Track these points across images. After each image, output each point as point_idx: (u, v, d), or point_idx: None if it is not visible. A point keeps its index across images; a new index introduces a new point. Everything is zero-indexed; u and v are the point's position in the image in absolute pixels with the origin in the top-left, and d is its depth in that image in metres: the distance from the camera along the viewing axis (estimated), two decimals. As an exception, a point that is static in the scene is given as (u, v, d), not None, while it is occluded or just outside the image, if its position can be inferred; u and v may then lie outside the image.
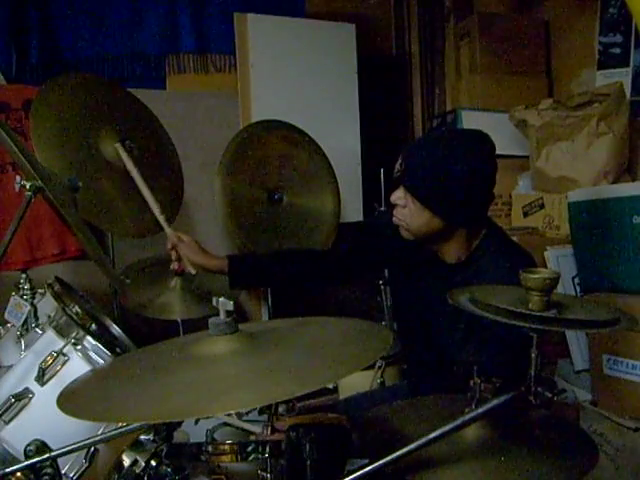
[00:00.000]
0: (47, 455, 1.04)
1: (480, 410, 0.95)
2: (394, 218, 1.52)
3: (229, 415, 1.37)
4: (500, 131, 2.72)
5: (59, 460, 1.08)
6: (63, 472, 1.17)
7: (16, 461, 1.14)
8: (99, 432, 1.14)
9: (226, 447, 1.17)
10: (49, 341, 1.33)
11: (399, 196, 1.48)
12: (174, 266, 1.72)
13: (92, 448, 1.19)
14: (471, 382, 1.01)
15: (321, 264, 1.75)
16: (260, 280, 1.86)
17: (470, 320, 1.43)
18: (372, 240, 1.72)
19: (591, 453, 1.01)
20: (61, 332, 1.34)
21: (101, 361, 1.30)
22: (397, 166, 1.48)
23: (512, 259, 1.49)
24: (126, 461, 1.14)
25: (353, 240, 1.83)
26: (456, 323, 1.48)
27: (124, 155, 1.87)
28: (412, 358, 1.80)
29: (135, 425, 1.06)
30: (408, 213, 1.48)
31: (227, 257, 1.66)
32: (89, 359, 1.30)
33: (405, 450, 0.91)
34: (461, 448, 0.99)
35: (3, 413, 1.22)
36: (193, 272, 1.67)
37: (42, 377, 1.25)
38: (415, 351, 1.72)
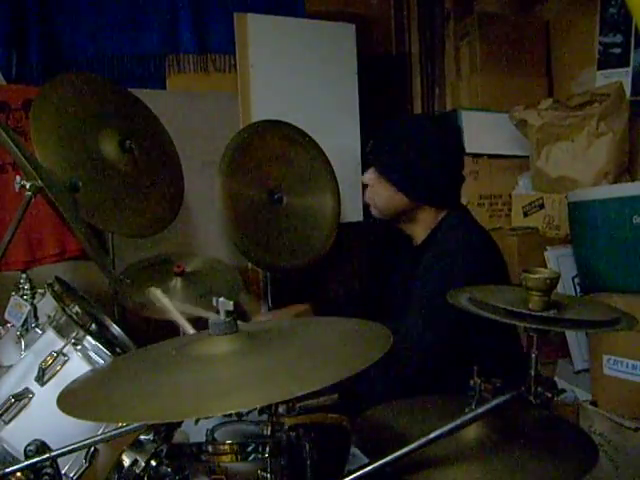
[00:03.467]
0: (47, 455, 1.03)
1: (480, 410, 0.95)
2: (365, 198, 1.64)
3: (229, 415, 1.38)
4: (500, 131, 2.72)
5: (59, 460, 1.08)
6: (63, 472, 1.16)
7: (16, 461, 1.14)
8: (99, 432, 1.14)
9: (226, 447, 1.17)
10: (49, 341, 1.32)
11: (369, 177, 1.60)
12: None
13: (92, 448, 1.18)
14: (471, 382, 1.01)
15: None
16: None
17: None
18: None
19: (591, 453, 1.01)
20: (61, 332, 1.34)
21: (101, 361, 1.30)
22: (367, 147, 1.60)
23: (459, 232, 1.56)
24: (126, 461, 1.14)
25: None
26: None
27: (158, 296, 1.74)
28: None
29: (135, 425, 1.06)
30: (375, 191, 1.59)
31: (309, 305, 1.80)
32: (89, 359, 1.30)
33: (405, 450, 0.91)
34: (461, 448, 0.99)
35: (3, 413, 1.22)
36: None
37: (42, 377, 1.25)
38: None
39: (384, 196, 1.58)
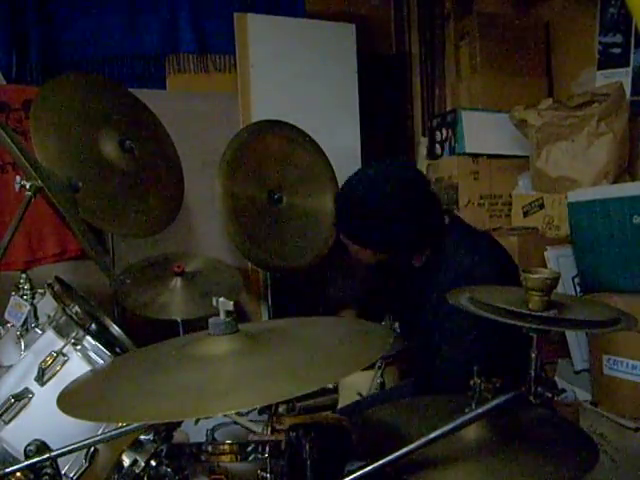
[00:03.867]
0: (47, 455, 1.04)
1: (480, 410, 0.95)
2: (350, 250, 1.60)
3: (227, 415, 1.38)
4: (500, 131, 2.72)
5: (59, 460, 1.08)
6: (63, 472, 1.16)
7: (16, 461, 1.14)
8: (99, 432, 1.14)
9: (226, 447, 1.17)
10: (49, 341, 1.32)
11: (346, 240, 1.57)
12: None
13: (92, 448, 1.18)
14: (471, 382, 1.01)
15: None
16: None
17: (438, 310, 1.46)
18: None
19: (591, 453, 1.01)
20: (61, 332, 1.34)
21: (101, 361, 1.30)
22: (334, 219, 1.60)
23: (470, 242, 1.55)
24: (126, 461, 1.14)
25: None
26: (430, 320, 1.52)
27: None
28: (412, 356, 1.83)
29: (135, 425, 1.06)
30: (357, 250, 1.56)
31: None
32: (89, 359, 1.30)
33: (405, 450, 0.91)
34: (461, 448, 0.99)
35: (3, 413, 1.22)
36: None
37: (42, 377, 1.25)
38: (414, 349, 1.75)
39: (365, 255, 1.56)
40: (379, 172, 1.52)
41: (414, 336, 1.72)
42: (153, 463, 1.13)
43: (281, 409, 1.08)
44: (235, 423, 1.37)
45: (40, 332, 1.41)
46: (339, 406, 1.75)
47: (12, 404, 1.22)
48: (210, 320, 0.92)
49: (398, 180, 1.48)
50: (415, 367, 1.91)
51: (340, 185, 2.55)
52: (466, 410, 0.96)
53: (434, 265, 1.56)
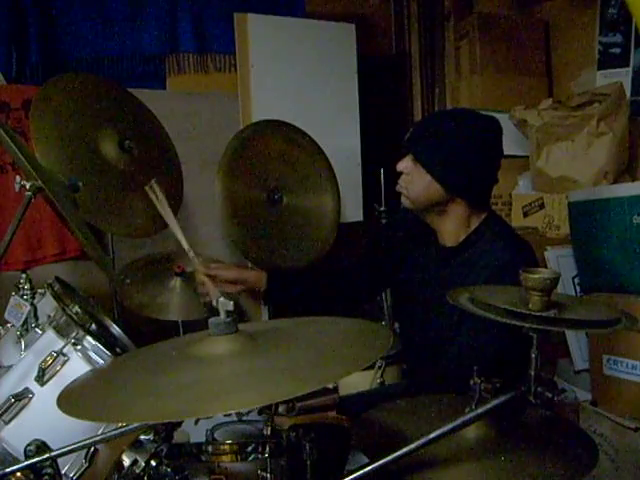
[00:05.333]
0: (47, 455, 1.03)
1: (480, 410, 0.95)
2: (397, 186, 1.58)
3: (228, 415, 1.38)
4: (500, 131, 2.72)
5: (59, 460, 1.08)
6: (63, 472, 1.17)
7: (16, 461, 1.14)
8: (99, 432, 1.14)
9: (226, 447, 1.17)
10: (49, 341, 1.33)
11: (405, 164, 1.55)
12: (204, 299, 1.74)
13: (92, 448, 1.19)
14: (471, 382, 1.01)
15: (350, 282, 1.82)
16: (295, 297, 1.85)
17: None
18: (377, 245, 1.81)
19: (591, 453, 1.01)
20: (61, 332, 1.34)
21: (101, 361, 1.30)
22: (407, 135, 1.56)
23: (509, 243, 1.54)
24: (126, 461, 1.14)
25: (364, 255, 1.90)
26: (452, 308, 1.49)
27: (154, 196, 1.79)
28: (412, 356, 1.80)
29: (135, 425, 1.06)
30: (410, 179, 1.54)
31: (266, 271, 1.74)
32: (89, 359, 1.30)
33: (405, 450, 0.91)
34: (461, 448, 0.99)
35: (3, 413, 1.22)
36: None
37: (42, 377, 1.25)
38: (415, 347, 1.73)
39: (419, 185, 1.53)
40: (474, 114, 1.59)
41: (415, 331, 1.71)
42: (153, 463, 1.13)
43: (281, 409, 1.08)
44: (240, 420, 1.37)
45: (40, 332, 1.41)
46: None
47: (12, 404, 1.23)
48: (210, 320, 0.92)
49: (490, 128, 1.56)
50: (410, 367, 1.89)
51: (340, 185, 2.57)
52: (466, 410, 0.96)
53: (464, 250, 1.54)
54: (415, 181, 1.53)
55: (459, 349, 1.47)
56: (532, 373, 0.96)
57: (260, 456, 1.13)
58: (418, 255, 1.66)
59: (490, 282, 1.41)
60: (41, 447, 1.04)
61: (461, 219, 1.55)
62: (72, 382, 0.98)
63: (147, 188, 1.78)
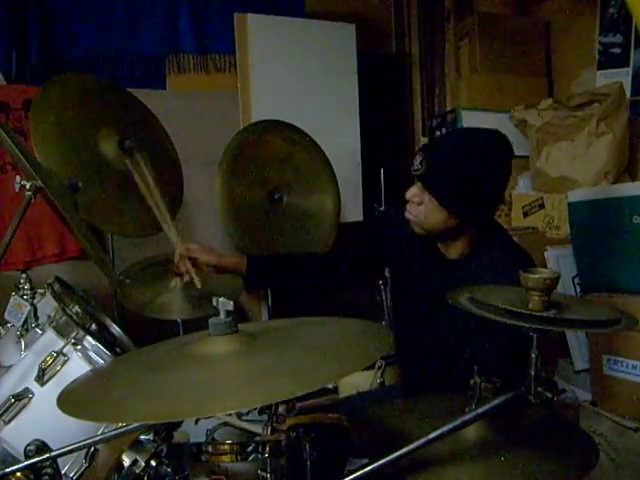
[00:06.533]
0: (47, 455, 1.04)
1: (480, 410, 0.95)
2: (407, 214, 1.53)
3: (229, 415, 1.37)
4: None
5: (59, 460, 1.08)
6: (63, 472, 1.17)
7: (16, 461, 1.14)
8: (99, 432, 1.14)
9: (226, 447, 1.17)
10: (49, 341, 1.33)
11: (415, 193, 1.49)
12: (176, 282, 1.73)
13: (92, 448, 1.19)
14: (471, 382, 1.01)
15: (330, 266, 1.78)
16: (275, 281, 1.85)
17: (470, 315, 1.44)
18: (373, 237, 1.75)
19: (591, 453, 1.01)
20: (61, 332, 1.34)
21: (101, 361, 1.30)
22: (416, 164, 1.49)
23: (512, 256, 1.52)
24: (126, 461, 1.14)
25: (355, 240, 1.86)
26: (456, 317, 1.48)
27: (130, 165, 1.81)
28: (408, 360, 1.80)
29: (135, 425, 1.06)
30: (423, 210, 1.49)
31: (245, 256, 1.70)
32: (89, 359, 1.30)
33: (405, 450, 0.91)
34: (461, 448, 0.99)
35: (3, 413, 1.22)
36: (199, 286, 1.67)
37: (42, 377, 1.25)
38: (412, 351, 1.72)
39: (435, 218, 1.49)
40: (488, 137, 1.52)
41: (413, 336, 1.70)
42: (153, 463, 1.13)
43: (281, 409, 1.08)
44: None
45: (40, 332, 1.41)
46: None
47: (12, 404, 1.23)
48: (210, 320, 0.92)
49: (501, 146, 1.50)
50: (406, 371, 1.88)
51: (340, 185, 2.57)
52: (466, 410, 0.96)
53: (469, 263, 1.53)
54: (430, 213, 1.49)
55: (472, 358, 1.46)
56: (532, 373, 0.96)
57: (260, 456, 1.13)
58: (421, 263, 1.64)
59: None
60: (41, 447, 1.04)
61: (469, 238, 1.55)
62: (72, 382, 0.98)
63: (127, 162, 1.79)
